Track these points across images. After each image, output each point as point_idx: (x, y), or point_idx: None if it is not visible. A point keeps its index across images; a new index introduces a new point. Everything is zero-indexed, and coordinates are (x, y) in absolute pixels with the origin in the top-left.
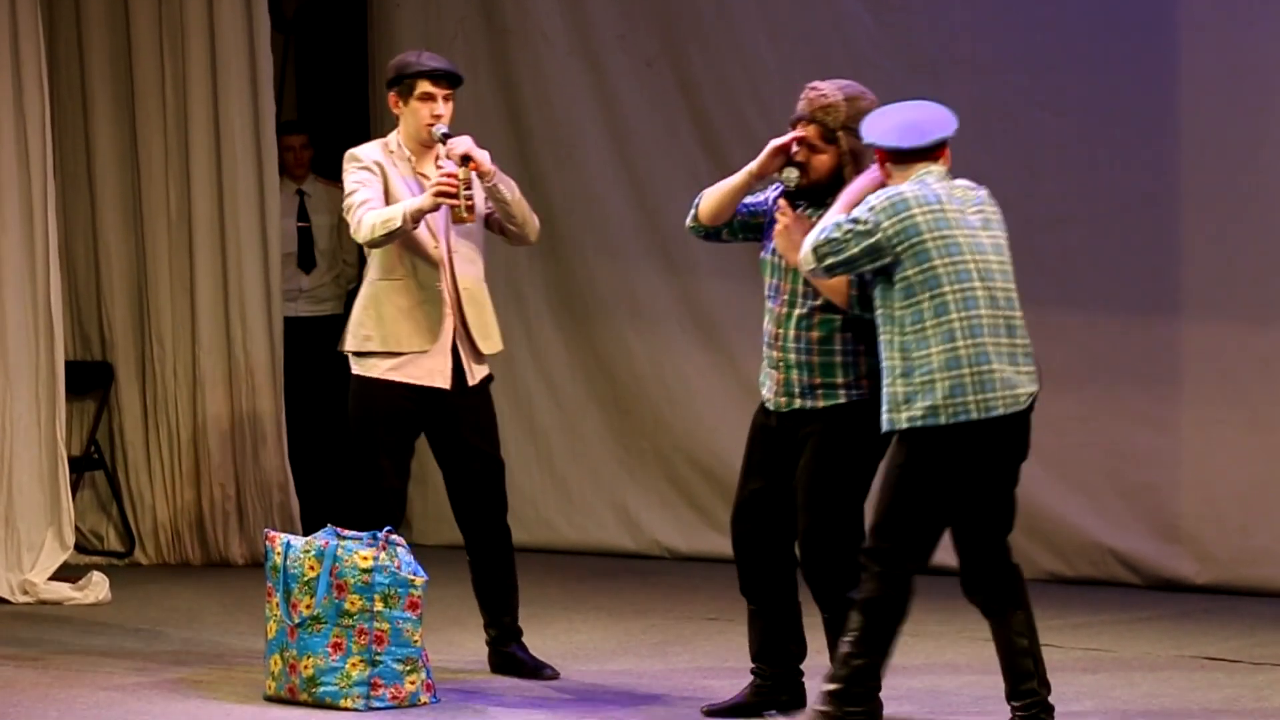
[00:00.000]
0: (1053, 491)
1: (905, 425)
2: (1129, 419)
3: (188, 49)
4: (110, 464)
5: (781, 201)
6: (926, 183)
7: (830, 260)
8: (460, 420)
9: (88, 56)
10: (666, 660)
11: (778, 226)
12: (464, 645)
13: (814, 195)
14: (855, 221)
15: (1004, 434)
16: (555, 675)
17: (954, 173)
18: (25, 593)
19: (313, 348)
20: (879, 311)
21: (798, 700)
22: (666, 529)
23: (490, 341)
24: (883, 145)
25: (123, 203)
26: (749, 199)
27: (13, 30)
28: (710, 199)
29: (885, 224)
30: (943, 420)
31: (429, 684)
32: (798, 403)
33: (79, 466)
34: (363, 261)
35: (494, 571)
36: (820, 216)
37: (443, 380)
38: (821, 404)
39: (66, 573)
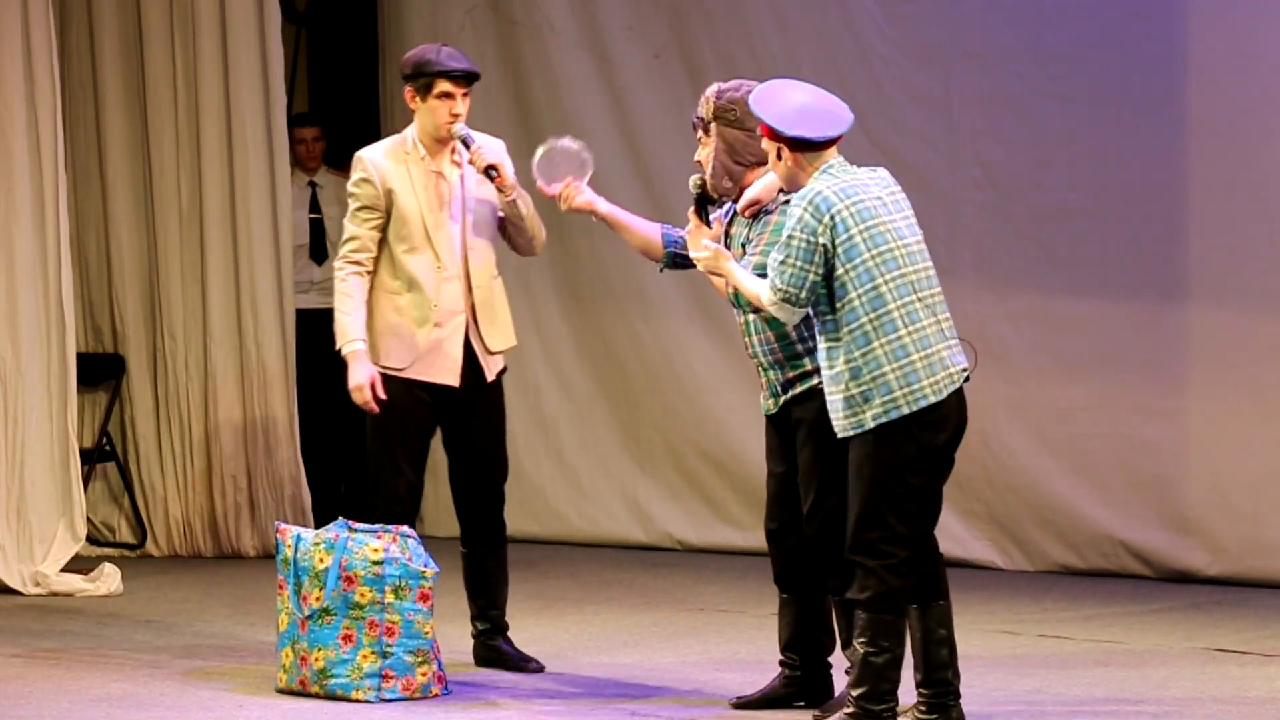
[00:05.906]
0: (1063, 482)
1: (871, 424)
2: (1138, 409)
3: (199, 41)
4: (122, 456)
5: (690, 210)
6: (834, 174)
7: (798, 290)
8: (470, 417)
9: (99, 48)
10: (678, 652)
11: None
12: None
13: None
14: (790, 240)
15: (953, 411)
16: (540, 668)
17: (963, 162)
18: (37, 584)
19: (325, 339)
20: (817, 321)
21: (826, 691)
22: (677, 521)
23: (502, 338)
24: (785, 133)
25: (134, 195)
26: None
27: (24, 22)
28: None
29: (818, 228)
30: (904, 410)
31: (440, 675)
32: (783, 399)
33: (90, 458)
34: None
35: (488, 566)
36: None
37: (453, 378)
38: (799, 389)
39: (78, 564)
